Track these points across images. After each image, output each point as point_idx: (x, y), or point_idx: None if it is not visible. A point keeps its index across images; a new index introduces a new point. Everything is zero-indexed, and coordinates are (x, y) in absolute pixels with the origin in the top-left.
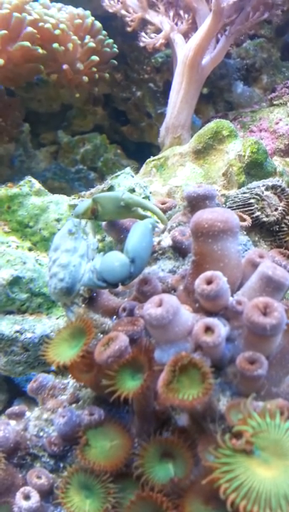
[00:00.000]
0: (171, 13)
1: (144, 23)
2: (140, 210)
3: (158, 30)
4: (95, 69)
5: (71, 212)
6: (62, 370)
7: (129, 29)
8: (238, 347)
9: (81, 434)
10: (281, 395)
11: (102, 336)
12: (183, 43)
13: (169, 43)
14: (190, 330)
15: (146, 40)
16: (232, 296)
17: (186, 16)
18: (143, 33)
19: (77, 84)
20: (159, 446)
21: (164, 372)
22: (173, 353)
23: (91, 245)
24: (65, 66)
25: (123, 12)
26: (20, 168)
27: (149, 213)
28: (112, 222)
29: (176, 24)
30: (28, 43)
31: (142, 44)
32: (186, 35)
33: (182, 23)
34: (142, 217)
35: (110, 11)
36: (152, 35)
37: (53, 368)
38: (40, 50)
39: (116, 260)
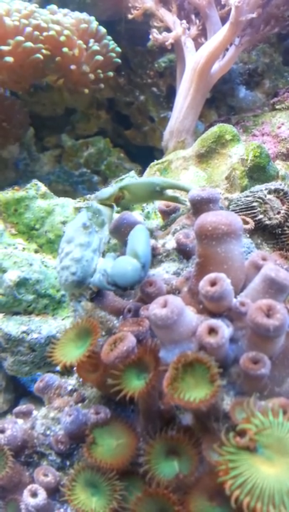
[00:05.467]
0: (182, 17)
1: (143, 21)
2: (169, 192)
3: (166, 28)
4: (100, 70)
5: (93, 197)
6: (68, 370)
7: (130, 16)
8: (241, 347)
9: (88, 432)
10: (284, 395)
11: (104, 334)
12: (193, 49)
13: (174, 46)
14: (194, 330)
15: (157, 36)
16: (235, 297)
17: (197, 21)
18: (155, 29)
19: (83, 85)
20: (164, 443)
21: (168, 371)
22: (177, 353)
23: (103, 239)
24: (72, 66)
25: None
26: (24, 171)
27: (177, 193)
28: (117, 226)
29: (188, 28)
30: (30, 43)
31: (151, 37)
32: (195, 40)
33: (192, 27)
34: (173, 199)
35: None
36: (164, 33)
37: (58, 368)
38: (44, 51)
39: (129, 265)
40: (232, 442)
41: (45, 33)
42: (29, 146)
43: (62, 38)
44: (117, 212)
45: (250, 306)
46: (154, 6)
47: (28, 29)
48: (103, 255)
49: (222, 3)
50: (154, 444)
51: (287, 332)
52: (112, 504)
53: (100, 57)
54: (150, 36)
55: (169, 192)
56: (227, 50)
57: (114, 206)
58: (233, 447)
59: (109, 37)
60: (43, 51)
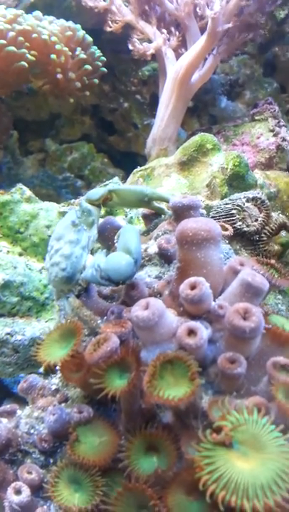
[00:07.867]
0: (163, 28)
1: (127, 29)
2: (155, 203)
3: (147, 40)
4: (85, 78)
5: (83, 197)
6: (52, 371)
7: (108, 29)
8: (219, 348)
9: (71, 430)
10: (259, 394)
11: (88, 333)
12: (174, 59)
13: (156, 56)
14: (174, 332)
15: (138, 46)
16: (214, 300)
17: (177, 32)
18: (135, 39)
19: (69, 92)
20: (144, 439)
21: (148, 370)
22: (158, 353)
23: (92, 237)
24: (59, 75)
25: (110, 8)
26: (7, 174)
27: (163, 205)
28: (101, 230)
29: (168, 39)
30: (14, 48)
31: (131, 47)
32: (175, 51)
33: (172, 38)
34: (159, 210)
35: (90, 4)
36: (144, 43)
37: (41, 370)
38: (29, 56)
39: (122, 259)
40: (209, 439)
41: (32, 37)
42: (13, 149)
43: (58, 47)
44: (102, 217)
45: (227, 309)
46: (134, 19)
47: (12, 33)
48: (91, 254)
49: (199, 14)
50: (133, 441)
51: (262, 334)
52: (94, 500)
53: (88, 67)
54: (130, 47)
55: (155, 203)
56: (206, 59)
57: (101, 207)
58: (210, 443)
59: (95, 46)
60: (28, 56)
